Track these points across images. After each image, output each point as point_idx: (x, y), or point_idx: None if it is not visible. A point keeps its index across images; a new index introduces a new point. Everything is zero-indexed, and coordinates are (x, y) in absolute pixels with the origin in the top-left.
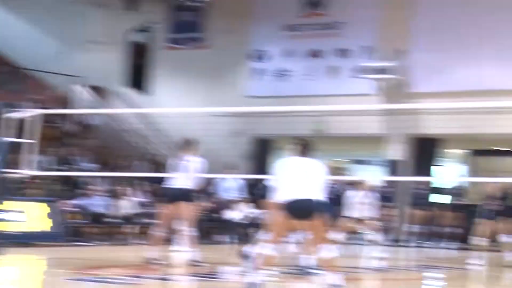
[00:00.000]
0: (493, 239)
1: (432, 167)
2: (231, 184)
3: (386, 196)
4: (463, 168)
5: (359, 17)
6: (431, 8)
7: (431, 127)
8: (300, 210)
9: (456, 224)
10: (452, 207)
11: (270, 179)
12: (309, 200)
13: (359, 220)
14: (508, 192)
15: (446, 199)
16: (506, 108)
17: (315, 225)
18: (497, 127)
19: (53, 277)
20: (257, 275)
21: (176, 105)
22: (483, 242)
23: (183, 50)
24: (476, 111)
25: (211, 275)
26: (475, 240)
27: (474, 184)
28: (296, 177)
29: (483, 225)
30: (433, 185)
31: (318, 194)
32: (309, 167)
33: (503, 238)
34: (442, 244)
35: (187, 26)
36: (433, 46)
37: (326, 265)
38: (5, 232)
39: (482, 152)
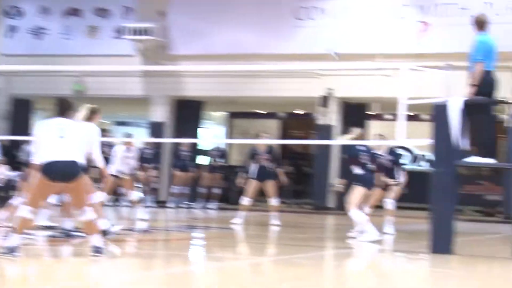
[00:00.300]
0: (258, 199)
1: (195, 129)
2: None
3: (150, 158)
4: (223, 130)
5: None
6: None
7: (193, 90)
8: (60, 172)
9: (216, 184)
10: (213, 168)
11: (30, 141)
12: (70, 162)
13: (124, 180)
14: (272, 152)
15: (208, 160)
16: (263, 72)
17: (76, 187)
18: (254, 91)
19: None
20: (15, 238)
21: None
22: (247, 201)
23: None
24: (235, 74)
25: None
26: (240, 200)
27: (233, 145)
28: (56, 139)
29: (248, 185)
30: (197, 147)
31: (79, 155)
32: (69, 128)
33: (272, 200)
34: (204, 205)
35: None
36: (193, 8)
37: (87, 228)
38: None
39: (240, 114)
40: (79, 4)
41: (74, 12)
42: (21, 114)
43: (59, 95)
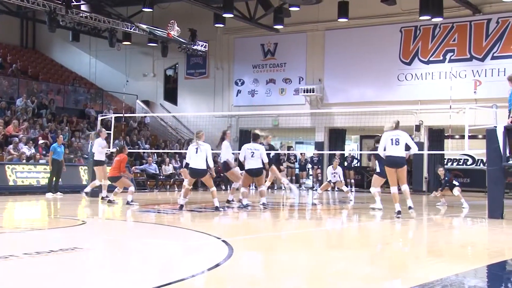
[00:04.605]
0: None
1: (342, 145)
2: None
3: (316, 162)
4: (357, 146)
5: (295, 59)
6: (335, 54)
7: (339, 122)
8: None
9: (352, 177)
10: (350, 167)
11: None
12: None
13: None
14: None
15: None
16: (380, 111)
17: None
18: (375, 122)
19: (130, 210)
20: None
21: (192, 110)
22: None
23: (195, 79)
24: (363, 113)
25: None
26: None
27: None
28: None
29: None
30: (344, 155)
31: None
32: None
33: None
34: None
35: (196, 65)
36: (337, 76)
37: None
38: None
39: (367, 136)
40: (274, 76)
41: (271, 81)
42: (245, 139)
43: (263, 128)
